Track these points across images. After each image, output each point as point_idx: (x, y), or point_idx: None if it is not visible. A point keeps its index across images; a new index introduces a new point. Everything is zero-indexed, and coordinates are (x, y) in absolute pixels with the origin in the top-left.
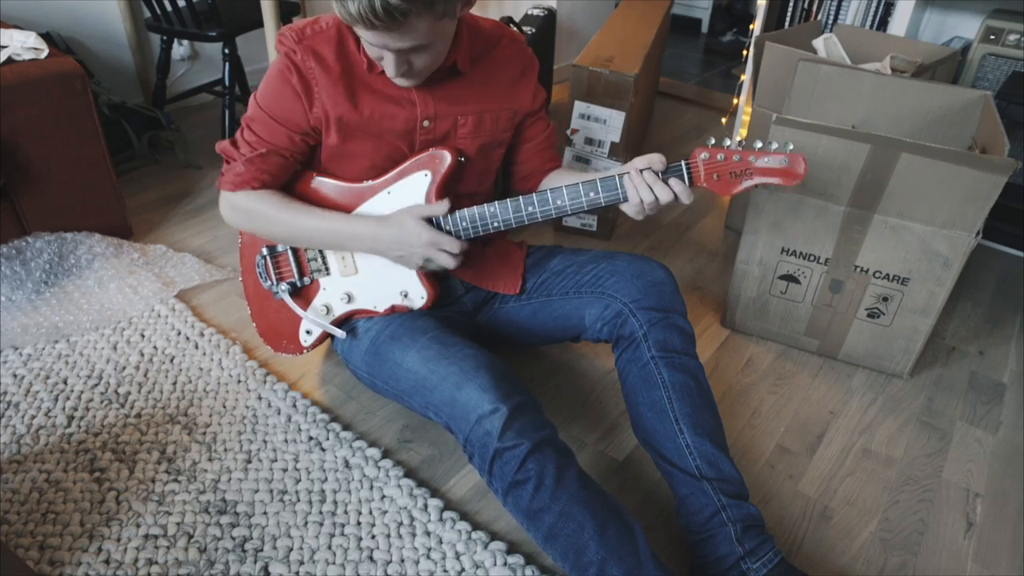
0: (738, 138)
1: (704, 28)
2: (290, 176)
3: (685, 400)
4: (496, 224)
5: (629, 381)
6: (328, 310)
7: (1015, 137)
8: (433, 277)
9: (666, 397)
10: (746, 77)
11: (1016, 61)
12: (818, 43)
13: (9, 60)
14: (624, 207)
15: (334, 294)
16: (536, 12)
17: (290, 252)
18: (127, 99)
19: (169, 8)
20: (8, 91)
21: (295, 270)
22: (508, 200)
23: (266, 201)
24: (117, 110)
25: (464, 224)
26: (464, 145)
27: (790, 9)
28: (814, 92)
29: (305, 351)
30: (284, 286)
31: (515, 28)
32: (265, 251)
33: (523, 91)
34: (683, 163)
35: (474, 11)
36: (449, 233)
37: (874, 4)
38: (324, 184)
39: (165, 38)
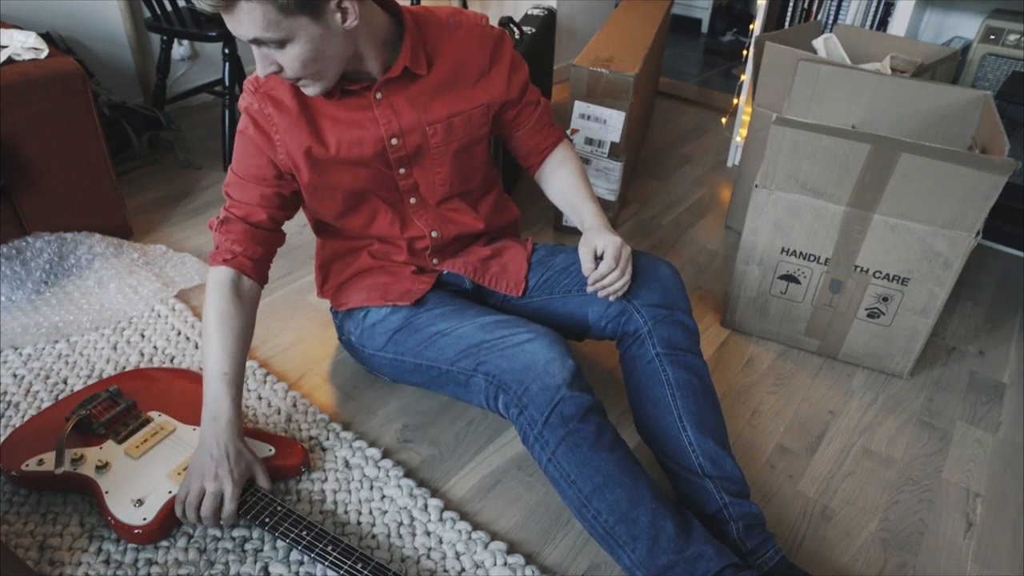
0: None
1: (704, 28)
2: (270, 242)
3: (689, 398)
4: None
5: (633, 378)
6: (78, 458)
7: (1015, 137)
8: (173, 518)
9: (670, 394)
10: (746, 77)
11: (1016, 61)
12: (818, 43)
13: (9, 60)
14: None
15: (99, 457)
16: (536, 12)
17: (121, 401)
18: (127, 99)
19: (169, 8)
20: (8, 91)
21: (108, 416)
22: (305, 527)
23: (214, 301)
24: (117, 110)
25: (255, 509)
26: (438, 154)
27: (790, 9)
28: (814, 92)
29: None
30: (83, 413)
31: (515, 28)
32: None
33: (495, 81)
34: None
35: (476, 10)
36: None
37: (874, 4)
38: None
39: (165, 38)
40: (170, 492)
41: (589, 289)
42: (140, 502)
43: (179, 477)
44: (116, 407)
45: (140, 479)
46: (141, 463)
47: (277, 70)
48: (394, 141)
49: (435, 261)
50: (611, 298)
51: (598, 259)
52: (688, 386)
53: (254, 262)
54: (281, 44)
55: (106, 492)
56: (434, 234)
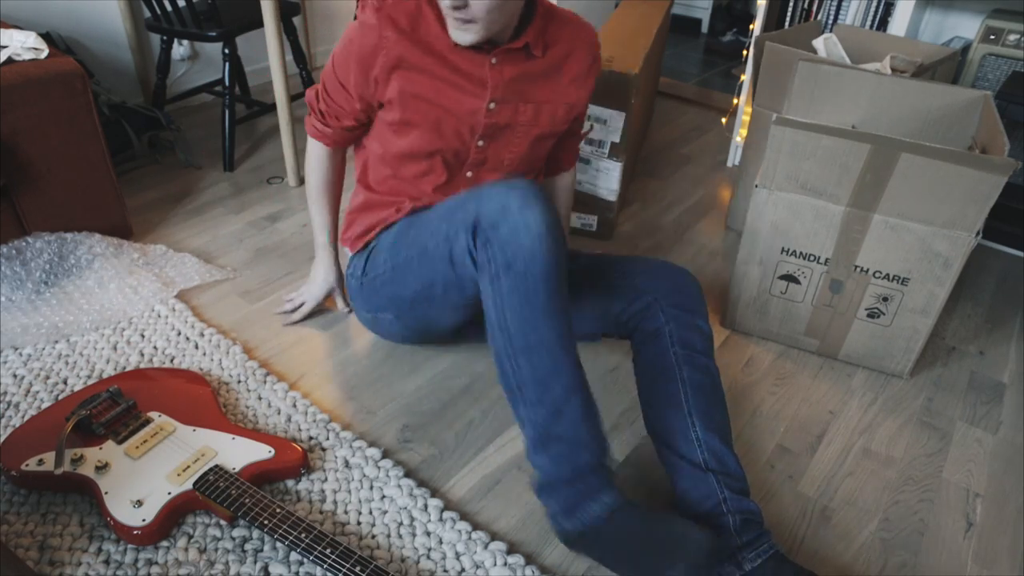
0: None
1: (704, 28)
2: (353, 138)
3: (700, 397)
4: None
5: (648, 374)
6: (78, 458)
7: (1015, 137)
8: (171, 519)
9: (683, 392)
10: (746, 77)
11: (1016, 61)
12: (818, 43)
13: (9, 60)
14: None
15: (98, 457)
16: None
17: (121, 402)
18: (127, 99)
19: (169, 8)
20: (8, 91)
21: (108, 416)
22: (294, 521)
23: (316, 167)
24: (117, 110)
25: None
26: (520, 134)
27: (790, 9)
28: (814, 92)
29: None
30: (84, 413)
31: None
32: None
33: (585, 88)
34: None
35: None
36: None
37: (874, 4)
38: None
39: (165, 38)
40: (169, 493)
41: None
42: (139, 503)
43: (179, 478)
44: (116, 407)
45: (139, 480)
46: (140, 464)
47: (465, 8)
48: (492, 105)
49: None
50: None
51: None
52: (701, 386)
53: (341, 144)
54: None
55: (106, 493)
56: None
